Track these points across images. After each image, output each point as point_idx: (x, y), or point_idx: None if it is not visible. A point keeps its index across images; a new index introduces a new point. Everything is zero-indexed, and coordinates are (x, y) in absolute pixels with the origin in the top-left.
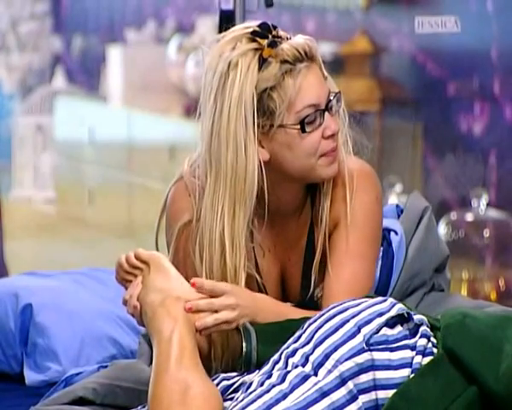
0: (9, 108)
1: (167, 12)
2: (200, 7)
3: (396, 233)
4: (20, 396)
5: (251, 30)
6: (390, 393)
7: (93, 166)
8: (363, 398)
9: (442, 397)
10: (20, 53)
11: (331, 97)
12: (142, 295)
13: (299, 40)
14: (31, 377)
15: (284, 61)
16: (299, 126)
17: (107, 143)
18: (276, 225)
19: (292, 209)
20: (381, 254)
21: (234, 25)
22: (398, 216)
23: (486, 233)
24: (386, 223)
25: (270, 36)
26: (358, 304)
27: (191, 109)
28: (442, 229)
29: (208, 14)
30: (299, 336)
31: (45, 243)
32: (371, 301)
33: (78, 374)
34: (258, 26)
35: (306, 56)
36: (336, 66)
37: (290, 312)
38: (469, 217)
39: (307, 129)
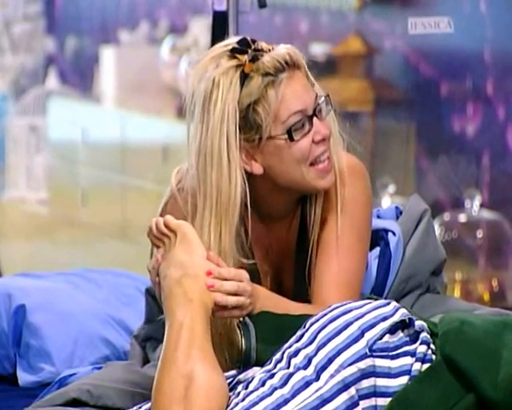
0: (2, 109)
1: (160, 13)
2: (193, 8)
3: (394, 234)
4: (13, 397)
5: (230, 47)
6: (388, 401)
7: (86, 167)
8: (363, 403)
9: (440, 404)
10: (14, 54)
11: (319, 101)
12: (163, 266)
13: (281, 50)
14: (24, 378)
15: (266, 74)
16: (286, 136)
17: (101, 144)
18: (271, 229)
19: (285, 214)
20: (378, 253)
21: (227, 25)
22: (397, 218)
23: (479, 234)
24: (385, 224)
25: (249, 51)
26: (362, 306)
27: (185, 110)
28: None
29: (201, 14)
30: (302, 335)
31: (38, 244)
32: (375, 303)
33: (71, 375)
34: (238, 42)
35: (287, 65)
36: (329, 66)
37: (291, 305)
38: (462, 218)
39: (295, 137)
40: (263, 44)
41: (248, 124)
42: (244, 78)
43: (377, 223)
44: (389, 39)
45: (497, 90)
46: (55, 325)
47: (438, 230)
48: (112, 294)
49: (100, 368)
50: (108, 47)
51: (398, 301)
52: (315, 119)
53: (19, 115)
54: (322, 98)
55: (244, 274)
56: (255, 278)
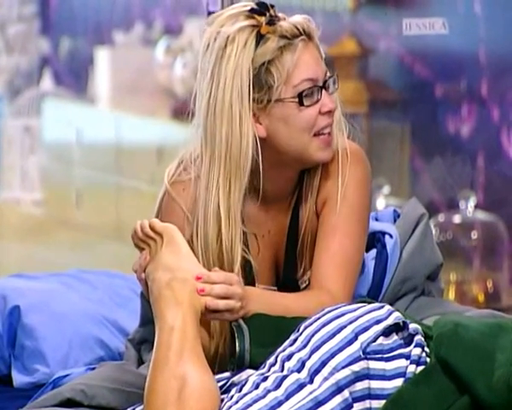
0: None
1: (155, 14)
2: (187, 8)
3: (391, 236)
4: (7, 399)
5: (249, 8)
6: (383, 403)
7: (81, 168)
8: (357, 406)
9: (434, 406)
10: (8, 55)
11: (327, 77)
12: (150, 268)
13: (298, 18)
14: (18, 379)
15: (282, 37)
16: (297, 100)
17: (95, 145)
18: (270, 211)
19: (285, 195)
20: (374, 255)
21: None
22: (395, 221)
23: (474, 235)
24: (382, 226)
25: (267, 14)
26: (355, 309)
27: (179, 111)
28: None
29: (196, 15)
30: (295, 339)
31: (33, 245)
32: (368, 306)
33: (65, 376)
34: (257, 4)
35: (305, 33)
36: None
37: (286, 299)
38: (457, 219)
39: (305, 102)
40: (279, 14)
41: (259, 83)
42: (260, 38)
43: (375, 225)
44: (384, 40)
45: (492, 91)
46: (49, 326)
47: (432, 231)
48: (106, 295)
49: (94, 369)
50: (103, 48)
51: (392, 303)
52: (323, 91)
53: (13, 116)
54: (331, 76)
55: (234, 277)
56: (249, 268)
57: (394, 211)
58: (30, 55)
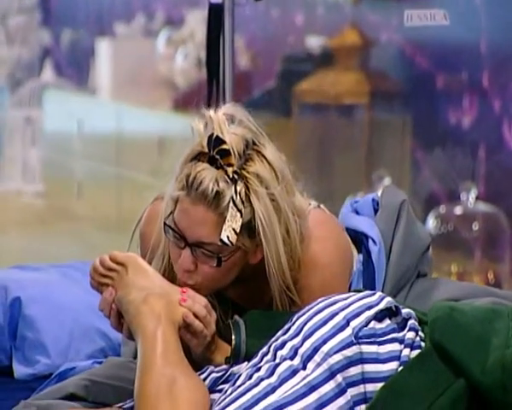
0: None
1: (156, 5)
2: (189, 0)
3: (374, 242)
4: (8, 390)
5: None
6: (378, 386)
7: (82, 159)
8: (351, 391)
9: (430, 390)
10: (9, 46)
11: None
12: (121, 295)
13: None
14: (19, 370)
15: None
16: None
17: (96, 137)
18: (238, 286)
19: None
20: (360, 265)
21: (223, 18)
22: (375, 210)
23: (475, 226)
24: (363, 224)
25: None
26: (347, 297)
27: (180, 102)
28: (431, 223)
29: (197, 7)
30: (288, 329)
31: (34, 237)
32: (360, 294)
33: (71, 369)
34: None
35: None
36: (325, 59)
37: None
38: (458, 210)
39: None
40: None
41: None
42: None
43: (356, 223)
44: (385, 32)
45: (493, 83)
46: (50, 318)
47: (433, 222)
48: None
49: (99, 362)
50: (104, 39)
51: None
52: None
53: (15, 107)
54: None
55: (213, 313)
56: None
57: (373, 200)
58: (31, 47)
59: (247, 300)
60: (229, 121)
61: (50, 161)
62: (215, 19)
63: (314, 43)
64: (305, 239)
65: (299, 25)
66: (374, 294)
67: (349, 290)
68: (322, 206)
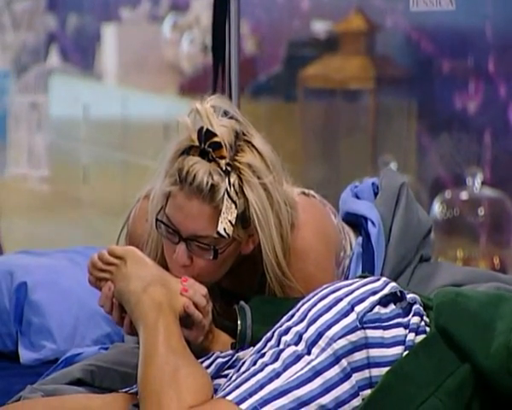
0: (4, 87)
1: None
2: None
3: (373, 224)
4: (15, 375)
5: None
6: (383, 370)
7: (88, 144)
8: (356, 376)
9: (435, 375)
10: (15, 31)
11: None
12: (121, 286)
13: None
14: (25, 355)
15: None
16: None
17: (102, 122)
18: (227, 274)
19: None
20: (359, 248)
21: (229, 3)
22: (375, 193)
23: (481, 212)
24: (363, 208)
25: None
26: (352, 283)
27: (186, 88)
28: (437, 208)
29: None
30: (293, 315)
31: (40, 222)
32: (364, 280)
33: (78, 355)
34: None
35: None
36: (331, 44)
37: None
38: (464, 195)
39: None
40: None
41: None
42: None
43: (355, 206)
44: (391, 16)
45: (499, 68)
46: (56, 303)
47: (439, 207)
48: None
49: (105, 348)
50: (110, 24)
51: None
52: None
53: (20, 93)
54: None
55: (210, 302)
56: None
57: (373, 184)
58: (37, 32)
59: (237, 286)
60: (217, 113)
61: (56, 146)
62: (221, 4)
63: (319, 28)
64: (294, 227)
65: (305, 10)
66: (378, 279)
67: (348, 277)
68: (307, 191)
